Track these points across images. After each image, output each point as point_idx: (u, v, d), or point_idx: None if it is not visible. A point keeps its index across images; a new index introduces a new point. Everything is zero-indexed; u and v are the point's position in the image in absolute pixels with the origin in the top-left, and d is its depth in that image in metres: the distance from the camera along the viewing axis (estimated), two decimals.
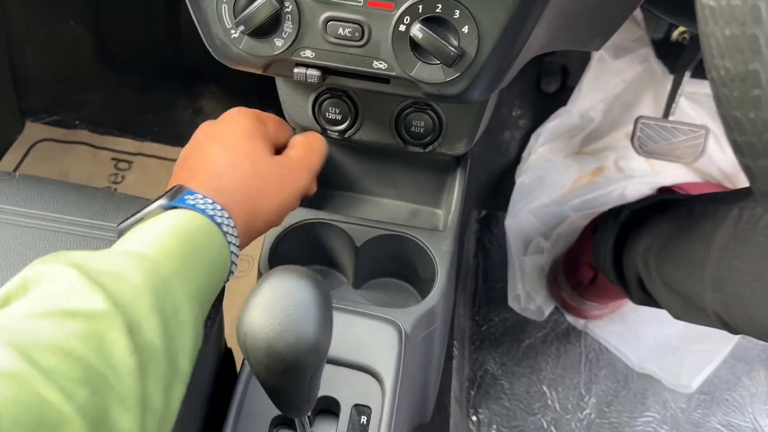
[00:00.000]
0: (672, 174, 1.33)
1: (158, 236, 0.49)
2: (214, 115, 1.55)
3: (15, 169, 1.44)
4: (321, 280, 0.47)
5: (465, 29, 0.56)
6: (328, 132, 0.77)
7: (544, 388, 1.15)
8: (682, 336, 1.19)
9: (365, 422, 0.64)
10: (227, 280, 0.56)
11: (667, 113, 1.22)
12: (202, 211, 0.52)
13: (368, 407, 0.65)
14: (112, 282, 0.42)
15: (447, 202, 0.85)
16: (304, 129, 0.79)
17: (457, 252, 1.04)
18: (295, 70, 0.61)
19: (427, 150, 0.77)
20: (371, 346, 0.67)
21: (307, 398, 0.50)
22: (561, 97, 1.40)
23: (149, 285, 0.43)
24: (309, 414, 0.57)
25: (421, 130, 0.76)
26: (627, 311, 1.23)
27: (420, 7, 0.55)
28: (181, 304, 0.45)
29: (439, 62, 0.57)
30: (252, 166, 0.58)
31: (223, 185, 0.56)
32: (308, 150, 0.65)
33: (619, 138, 1.37)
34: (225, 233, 0.53)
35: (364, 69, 0.60)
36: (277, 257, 0.76)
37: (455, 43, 0.56)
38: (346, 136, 0.77)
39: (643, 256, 0.90)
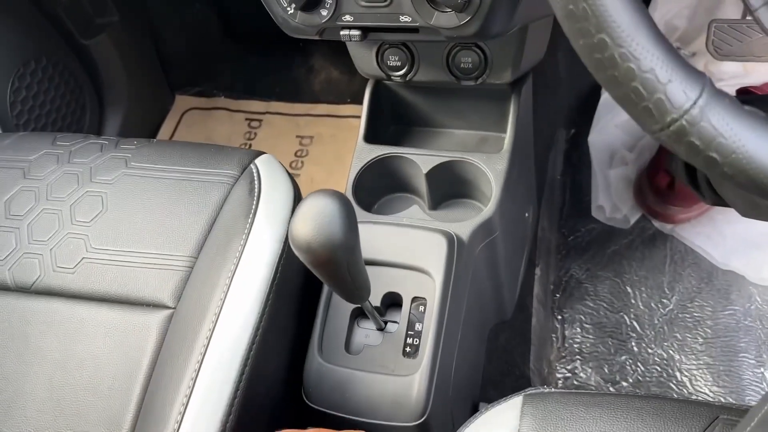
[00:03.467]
0: (764, 72, 1.31)
1: None
2: (324, 71, 1.74)
3: (171, 136, 1.75)
4: (346, 199, 0.62)
5: None
6: (392, 77, 0.90)
7: (628, 289, 1.23)
8: None
9: (422, 310, 0.81)
10: None
11: (746, 12, 1.20)
12: None
13: (424, 298, 0.81)
14: None
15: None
16: (372, 77, 0.94)
17: (528, 171, 1.14)
18: (342, 32, 0.75)
19: (478, 82, 0.87)
20: (426, 252, 0.82)
21: (355, 287, 0.67)
22: None
23: None
24: (373, 304, 0.75)
25: (470, 65, 0.86)
26: (715, 213, 1.26)
27: None
28: None
29: (451, 9, 0.69)
30: None
31: None
32: None
33: None
34: None
35: (394, 24, 0.73)
36: (361, 189, 0.91)
37: None
38: (408, 79, 0.89)
39: None
